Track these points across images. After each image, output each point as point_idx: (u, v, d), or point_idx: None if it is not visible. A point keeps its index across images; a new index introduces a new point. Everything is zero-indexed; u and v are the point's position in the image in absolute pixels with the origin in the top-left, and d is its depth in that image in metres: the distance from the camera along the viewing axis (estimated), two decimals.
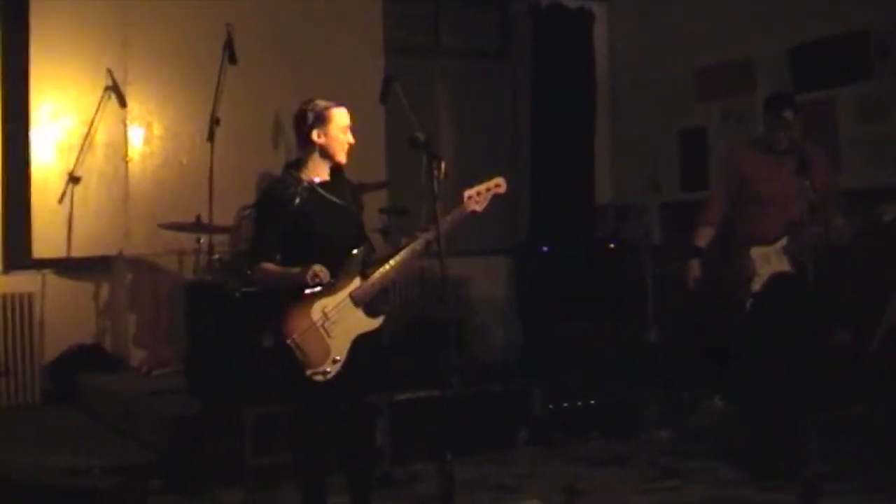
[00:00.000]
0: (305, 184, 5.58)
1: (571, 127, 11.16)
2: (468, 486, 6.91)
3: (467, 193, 5.63)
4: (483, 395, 8.21)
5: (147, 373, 9.13)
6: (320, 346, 5.44)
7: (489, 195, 5.66)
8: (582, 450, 8.15)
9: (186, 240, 9.17)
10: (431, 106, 11.29)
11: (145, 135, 9.91)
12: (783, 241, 7.05)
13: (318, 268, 5.33)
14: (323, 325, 5.45)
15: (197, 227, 8.65)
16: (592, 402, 8.66)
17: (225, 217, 8.77)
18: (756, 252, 7.14)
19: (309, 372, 5.42)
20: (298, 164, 5.68)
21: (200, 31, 9.70)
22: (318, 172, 5.66)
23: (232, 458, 7.02)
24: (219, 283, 8.20)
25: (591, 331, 9.42)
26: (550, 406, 8.47)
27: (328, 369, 5.43)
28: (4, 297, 9.30)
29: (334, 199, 5.63)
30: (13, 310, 9.32)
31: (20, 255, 9.51)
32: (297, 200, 5.52)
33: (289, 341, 5.41)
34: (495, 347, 10.43)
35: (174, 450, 7.35)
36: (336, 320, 5.48)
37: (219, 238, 8.71)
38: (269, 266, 5.52)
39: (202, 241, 8.81)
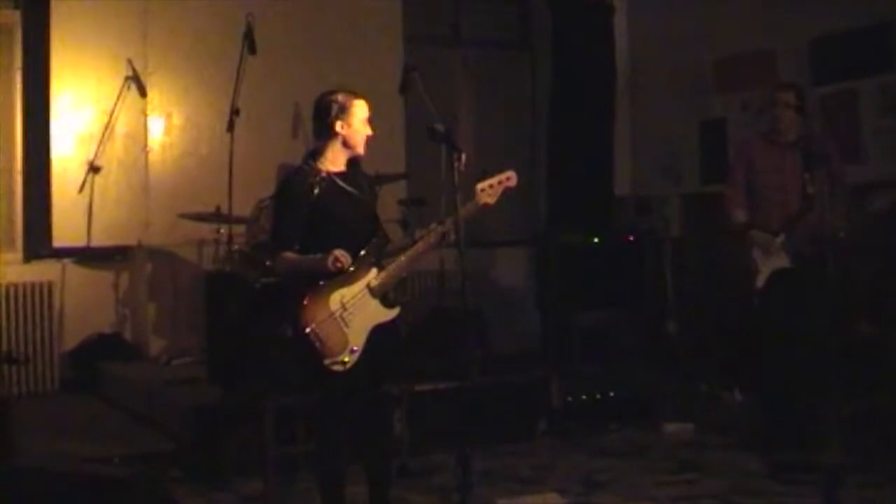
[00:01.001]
0: (324, 174, 5.59)
1: (591, 118, 11.10)
2: (486, 478, 6.92)
3: (479, 186, 5.61)
4: (502, 386, 8.20)
5: (167, 362, 9.15)
6: (338, 336, 5.46)
7: (500, 188, 5.64)
8: (601, 442, 8.14)
9: (206, 230, 9.16)
10: (451, 96, 11.27)
11: (165, 125, 9.94)
12: (782, 237, 7.09)
13: (339, 252, 5.35)
14: (341, 316, 5.47)
15: (216, 217, 8.67)
16: (611, 393, 8.64)
17: (244, 207, 8.77)
18: (757, 247, 7.19)
19: (327, 361, 5.44)
20: (317, 154, 5.68)
21: (220, 21, 9.74)
22: (337, 163, 5.66)
23: (252, 448, 7.04)
24: (238, 273, 8.22)
25: (610, 322, 9.39)
26: (569, 398, 8.45)
27: (346, 359, 5.45)
28: (25, 285, 9.35)
29: (352, 189, 5.65)
30: (33, 298, 9.37)
31: (41, 245, 9.56)
32: (316, 191, 5.53)
33: (307, 331, 5.43)
34: (514, 339, 10.41)
35: (194, 439, 7.37)
36: (353, 311, 5.49)
37: (238, 228, 8.72)
38: (290, 255, 5.52)
39: (222, 231, 8.84)
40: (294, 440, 7.04)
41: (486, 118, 11.61)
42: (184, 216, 8.90)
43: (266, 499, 6.83)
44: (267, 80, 9.55)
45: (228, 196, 8.51)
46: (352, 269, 5.46)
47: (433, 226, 5.63)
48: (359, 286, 5.54)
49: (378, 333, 5.56)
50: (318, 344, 5.43)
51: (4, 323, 9.19)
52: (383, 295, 5.60)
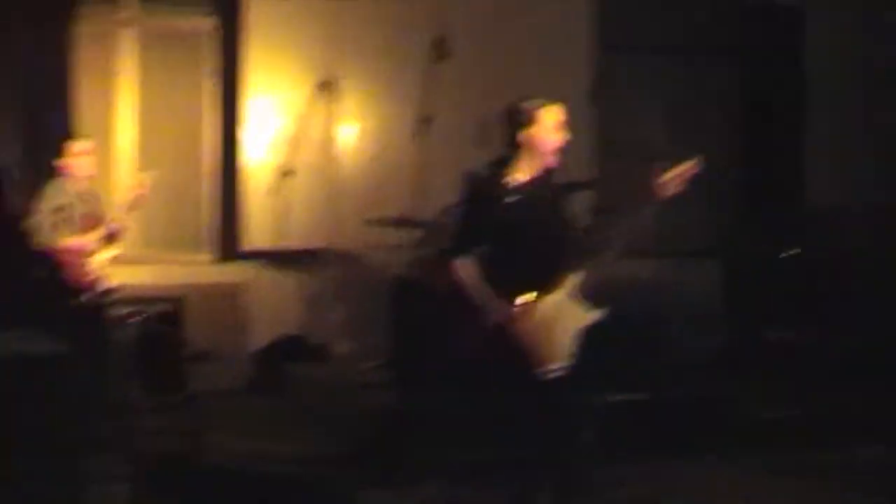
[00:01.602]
0: (510, 183, 5.50)
1: (782, 126, 10.89)
2: (671, 493, 6.79)
3: (660, 179, 5.50)
4: (688, 399, 8.05)
5: (352, 365, 9.21)
6: (545, 345, 5.40)
7: (681, 179, 5.54)
8: (787, 460, 7.92)
9: (393, 235, 9.21)
10: (641, 103, 11.12)
11: (355, 130, 10.01)
12: None
13: (517, 310, 5.34)
14: (543, 324, 5.39)
15: (404, 222, 8.70)
16: (799, 411, 8.43)
17: (431, 213, 8.82)
18: None
19: (533, 370, 5.37)
20: (504, 162, 5.58)
21: (410, 28, 9.79)
22: (524, 172, 5.54)
23: (434, 452, 7.04)
24: (425, 278, 8.23)
25: (799, 338, 9.17)
26: (756, 413, 8.27)
27: (551, 367, 5.38)
28: (216, 286, 9.54)
29: (538, 199, 5.53)
30: (223, 299, 9.56)
31: (232, 247, 9.76)
32: (501, 200, 5.46)
33: (509, 340, 5.37)
34: (698, 351, 10.24)
35: (377, 442, 7.40)
36: (556, 318, 5.42)
37: (424, 234, 8.74)
38: (465, 268, 5.48)
39: (409, 236, 8.87)
40: (477, 444, 7.02)
41: (674, 125, 11.41)
42: (372, 221, 8.96)
43: (447, 503, 6.83)
44: (455, 87, 9.57)
45: (417, 202, 8.54)
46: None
47: (625, 217, 5.54)
48: (560, 294, 5.45)
49: (581, 340, 5.47)
50: (522, 352, 5.38)
51: (195, 322, 9.38)
52: (583, 300, 5.51)
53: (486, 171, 5.65)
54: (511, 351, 5.37)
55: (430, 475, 7.05)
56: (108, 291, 7.46)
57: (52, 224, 7.70)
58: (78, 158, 7.86)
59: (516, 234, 5.46)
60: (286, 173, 9.68)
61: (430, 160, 8.80)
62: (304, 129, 9.79)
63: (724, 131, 11.61)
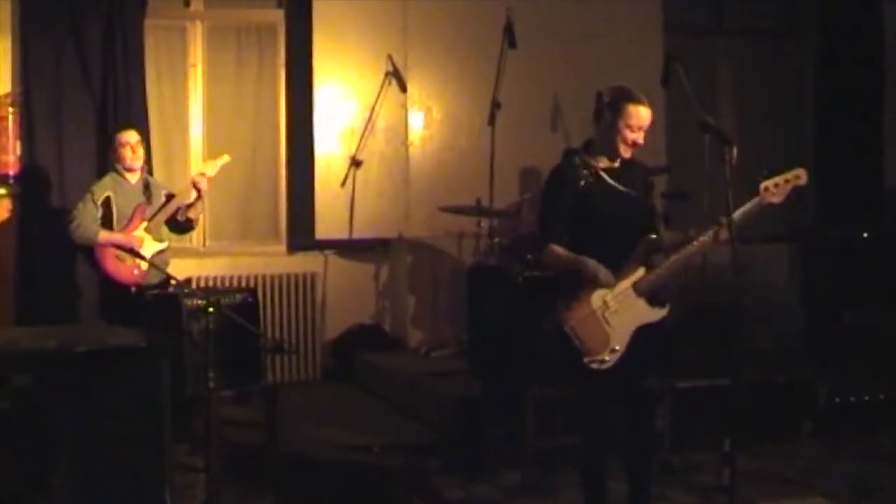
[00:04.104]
0: (592, 168, 5.46)
1: (859, 109, 10.73)
2: (749, 478, 6.72)
3: (764, 185, 5.41)
4: (766, 384, 7.97)
5: (426, 354, 9.22)
6: (599, 335, 5.36)
7: (788, 187, 5.44)
8: (870, 446, 7.82)
9: (466, 223, 9.21)
10: (711, 87, 11.02)
11: (425, 119, 9.99)
12: None
13: (603, 273, 5.29)
14: (603, 314, 5.36)
15: (477, 210, 8.68)
16: (882, 396, 8.31)
17: (503, 201, 8.79)
18: None
19: (586, 360, 5.35)
20: (588, 146, 5.55)
21: (480, 15, 9.75)
22: (607, 158, 5.51)
23: (512, 440, 7.04)
24: (500, 266, 8.22)
25: (880, 322, 9.03)
26: (836, 399, 8.17)
27: (606, 358, 5.35)
28: (289, 276, 9.62)
29: (619, 186, 5.47)
30: (297, 289, 9.64)
31: (304, 237, 9.78)
32: (582, 183, 5.42)
33: (567, 328, 5.36)
34: (775, 336, 10.12)
35: (454, 430, 7.41)
36: (616, 309, 5.37)
37: (498, 221, 8.72)
38: (556, 248, 5.43)
39: (482, 224, 8.87)
40: (554, 433, 7.00)
41: (747, 109, 11.30)
42: (444, 209, 8.95)
43: (525, 491, 6.82)
44: (526, 74, 9.50)
45: (489, 189, 8.53)
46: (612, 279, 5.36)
47: (711, 226, 5.44)
48: (624, 284, 5.41)
49: (643, 333, 5.43)
50: (577, 342, 5.36)
51: (269, 313, 9.44)
52: (651, 295, 5.45)
53: (572, 156, 5.57)
54: (571, 340, 5.36)
55: (508, 463, 7.07)
56: (169, 283, 7.53)
57: (100, 217, 7.72)
58: (126, 149, 7.85)
59: (591, 220, 5.42)
60: (357, 163, 9.68)
61: (502, 147, 8.75)
62: (374, 118, 9.78)
63: (797, 113, 11.50)
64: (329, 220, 9.70)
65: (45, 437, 4.69)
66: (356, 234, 9.73)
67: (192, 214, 7.88)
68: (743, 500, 5.65)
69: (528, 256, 7.99)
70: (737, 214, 5.35)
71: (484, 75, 9.08)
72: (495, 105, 8.72)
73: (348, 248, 9.82)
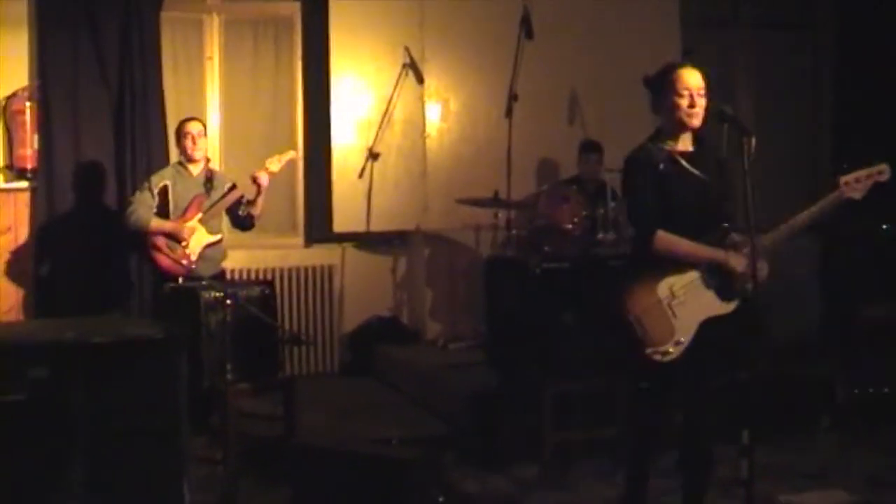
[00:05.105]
0: (667, 153, 5.24)
1: (879, 103, 10.68)
2: (768, 472, 6.68)
3: (844, 179, 5.24)
4: (784, 378, 7.94)
5: (443, 346, 9.23)
6: (663, 325, 5.16)
7: (870, 182, 5.26)
8: (888, 439, 7.78)
9: (483, 215, 9.22)
10: (728, 79, 10.97)
11: (442, 111, 9.98)
12: None
13: (741, 264, 5.14)
14: (669, 304, 5.17)
15: (494, 202, 8.66)
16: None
17: (521, 192, 8.77)
18: None
19: (648, 350, 5.15)
20: (659, 133, 5.33)
21: (497, 7, 9.72)
22: (679, 141, 5.29)
23: (529, 434, 7.02)
24: (518, 258, 8.21)
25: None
26: (855, 392, 8.13)
27: (670, 350, 5.14)
28: (306, 269, 9.64)
29: (695, 171, 5.24)
30: (314, 282, 9.67)
31: (321, 229, 9.79)
32: (662, 167, 5.19)
33: (630, 317, 5.17)
34: (793, 329, 10.09)
35: (470, 423, 7.40)
36: (683, 300, 5.17)
37: (516, 213, 8.71)
38: (672, 236, 5.17)
39: (499, 216, 8.86)
40: (571, 426, 6.98)
41: (765, 101, 11.25)
42: (461, 201, 8.93)
43: (542, 484, 6.80)
44: (543, 66, 9.49)
45: (506, 181, 8.52)
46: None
47: (782, 225, 5.30)
48: (692, 275, 5.22)
49: (711, 326, 5.22)
50: (639, 331, 5.16)
51: (287, 305, 9.45)
52: (721, 286, 5.24)
53: (646, 144, 5.34)
54: (633, 330, 5.20)
55: (525, 456, 7.06)
56: (224, 275, 7.57)
57: (153, 207, 7.77)
58: (187, 139, 7.88)
59: (666, 205, 5.20)
60: (375, 155, 9.67)
61: (519, 139, 8.75)
62: (391, 110, 9.77)
63: (814, 106, 11.46)
64: (346, 212, 9.69)
65: (62, 429, 4.68)
66: (374, 227, 9.72)
67: (253, 211, 7.90)
68: (761, 493, 5.60)
69: (546, 248, 7.98)
70: (815, 211, 5.23)
71: (501, 67, 9.05)
72: (512, 97, 8.72)
73: (366, 240, 9.82)
